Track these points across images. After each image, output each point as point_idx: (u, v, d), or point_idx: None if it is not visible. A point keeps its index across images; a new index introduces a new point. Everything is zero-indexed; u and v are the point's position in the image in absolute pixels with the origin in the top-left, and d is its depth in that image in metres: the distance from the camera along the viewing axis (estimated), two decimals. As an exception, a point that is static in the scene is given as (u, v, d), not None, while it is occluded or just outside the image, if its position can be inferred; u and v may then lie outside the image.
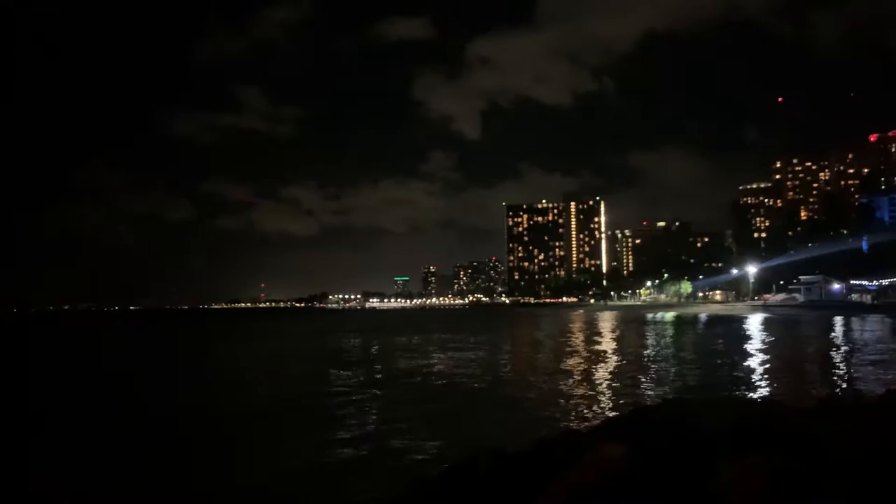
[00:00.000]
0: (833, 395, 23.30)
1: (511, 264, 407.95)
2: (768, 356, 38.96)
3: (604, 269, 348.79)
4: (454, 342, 58.54)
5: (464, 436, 17.26)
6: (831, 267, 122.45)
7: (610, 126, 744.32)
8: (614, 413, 19.47)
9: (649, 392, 25.05)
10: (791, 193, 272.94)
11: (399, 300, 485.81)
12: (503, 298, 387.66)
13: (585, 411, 20.72)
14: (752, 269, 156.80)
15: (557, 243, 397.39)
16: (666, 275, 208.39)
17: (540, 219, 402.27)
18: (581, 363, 37.10)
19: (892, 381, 25.49)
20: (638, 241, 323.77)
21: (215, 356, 53.45)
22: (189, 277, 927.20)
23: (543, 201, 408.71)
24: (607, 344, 53.80)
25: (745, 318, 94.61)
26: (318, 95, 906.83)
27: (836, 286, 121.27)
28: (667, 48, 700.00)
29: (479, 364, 38.40)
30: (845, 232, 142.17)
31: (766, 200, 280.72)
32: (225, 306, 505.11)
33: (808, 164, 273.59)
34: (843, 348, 43.29)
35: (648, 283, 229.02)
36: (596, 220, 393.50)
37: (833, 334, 56.23)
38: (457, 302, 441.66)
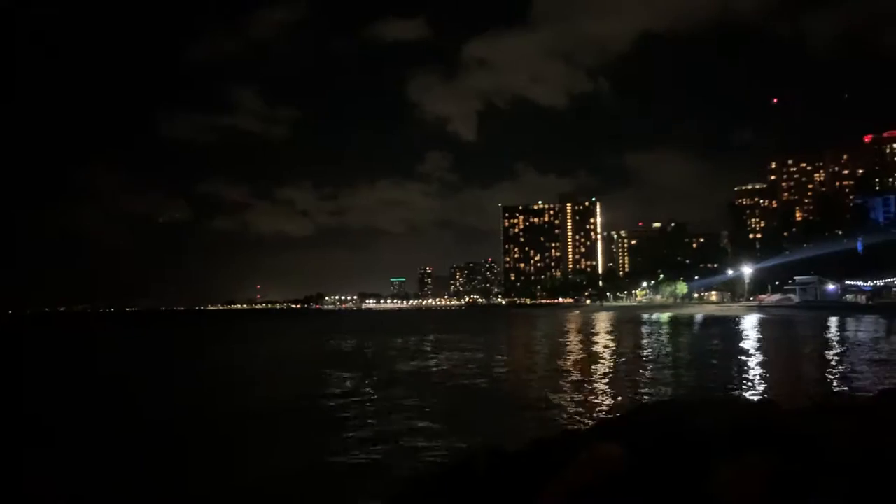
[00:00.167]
0: (828, 395, 23.42)
1: (507, 265, 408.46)
2: (764, 357, 39.05)
3: (600, 270, 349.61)
4: (451, 343, 58.53)
5: (461, 436, 17.27)
6: (826, 267, 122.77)
7: (605, 126, 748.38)
8: (611, 413, 19.53)
9: (646, 392, 25.09)
10: (786, 194, 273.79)
11: (395, 301, 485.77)
12: (499, 299, 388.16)
13: (582, 411, 20.75)
14: (747, 270, 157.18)
15: (553, 244, 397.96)
16: (662, 275, 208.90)
17: (536, 220, 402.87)
18: (578, 364, 37.14)
19: (887, 381, 25.58)
20: (634, 242, 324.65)
21: (211, 358, 53.31)
22: (185, 278, 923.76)
23: (539, 202, 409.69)
24: (604, 345, 53.84)
25: (741, 318, 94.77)
26: (313, 96, 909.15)
27: (831, 287, 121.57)
28: (662, 49, 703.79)
29: (476, 365, 38.39)
30: (840, 233, 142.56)
31: (761, 201, 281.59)
32: (221, 307, 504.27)
33: (803, 164, 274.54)
34: (838, 349, 43.40)
35: (644, 284, 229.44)
36: (592, 220, 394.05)
37: (828, 335, 56.36)
38: (453, 303, 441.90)
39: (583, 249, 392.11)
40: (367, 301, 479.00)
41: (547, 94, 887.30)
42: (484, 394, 26.08)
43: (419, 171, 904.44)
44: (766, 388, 25.82)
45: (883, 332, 57.18)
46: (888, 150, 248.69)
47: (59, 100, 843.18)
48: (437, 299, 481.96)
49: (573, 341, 58.53)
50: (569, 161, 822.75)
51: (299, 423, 21.04)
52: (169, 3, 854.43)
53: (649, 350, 46.43)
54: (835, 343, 48.29)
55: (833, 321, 75.26)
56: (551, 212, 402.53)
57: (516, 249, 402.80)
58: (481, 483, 6.31)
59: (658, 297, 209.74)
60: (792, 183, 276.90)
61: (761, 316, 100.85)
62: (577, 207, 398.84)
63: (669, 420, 6.41)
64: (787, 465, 4.87)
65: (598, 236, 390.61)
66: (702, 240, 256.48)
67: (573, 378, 30.09)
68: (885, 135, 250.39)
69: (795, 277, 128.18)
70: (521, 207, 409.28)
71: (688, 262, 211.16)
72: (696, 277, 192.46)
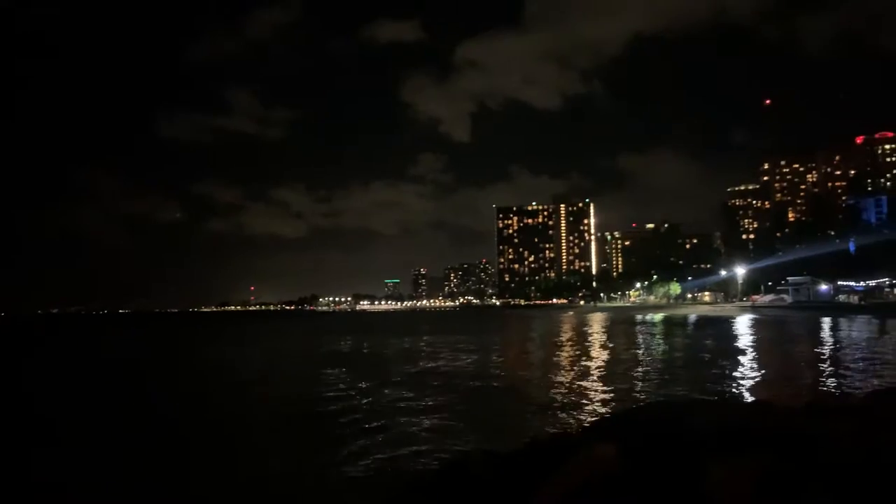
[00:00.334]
0: (821, 395, 23.50)
1: (501, 266, 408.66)
2: (757, 357, 39.15)
3: (593, 271, 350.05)
4: (445, 344, 58.50)
5: (457, 436, 17.29)
6: (819, 268, 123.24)
7: (599, 128, 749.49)
8: (605, 414, 19.55)
9: (640, 393, 25.14)
10: (779, 195, 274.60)
11: (390, 302, 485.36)
12: (493, 300, 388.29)
13: (577, 412, 20.78)
14: (740, 271, 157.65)
15: (547, 245, 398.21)
16: (655, 276, 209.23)
17: (530, 221, 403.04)
18: (572, 365, 37.19)
19: (880, 381, 25.70)
20: (627, 243, 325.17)
21: (210, 359, 53.15)
22: (178, 280, 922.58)
23: (533, 203, 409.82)
24: (598, 346, 53.93)
25: (734, 318, 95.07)
26: (307, 98, 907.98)
27: (824, 287, 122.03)
28: (656, 50, 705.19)
29: (471, 366, 38.40)
30: (832, 233, 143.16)
31: (754, 202, 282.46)
32: (215, 309, 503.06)
33: (796, 165, 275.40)
34: (831, 349, 43.57)
35: (638, 285, 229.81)
36: (585, 221, 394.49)
37: (821, 335, 56.59)
38: (447, 304, 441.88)
39: (576, 250, 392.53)
40: (361, 302, 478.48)
41: (540, 95, 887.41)
42: (479, 395, 26.07)
43: (413, 172, 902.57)
44: (759, 388, 25.88)
45: (875, 333, 57.43)
46: (880, 152, 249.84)
47: (54, 100, 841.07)
48: (432, 300, 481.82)
49: (568, 343, 58.59)
50: (562, 162, 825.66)
51: (296, 424, 21.00)
52: (165, 4, 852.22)
53: (643, 351, 46.51)
54: (827, 343, 48.47)
55: (826, 321, 75.57)
56: (545, 213, 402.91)
57: (510, 250, 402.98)
58: (476, 484, 6.33)
59: (652, 298, 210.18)
60: (785, 184, 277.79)
61: (754, 316, 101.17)
62: (570, 208, 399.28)
63: (663, 420, 6.45)
64: (780, 466, 4.90)
65: (592, 237, 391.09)
66: (695, 240, 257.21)
67: (567, 379, 30.13)
68: (876, 136, 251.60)
69: (788, 278, 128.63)
70: (515, 208, 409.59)
71: (681, 262, 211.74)
72: (690, 278, 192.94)
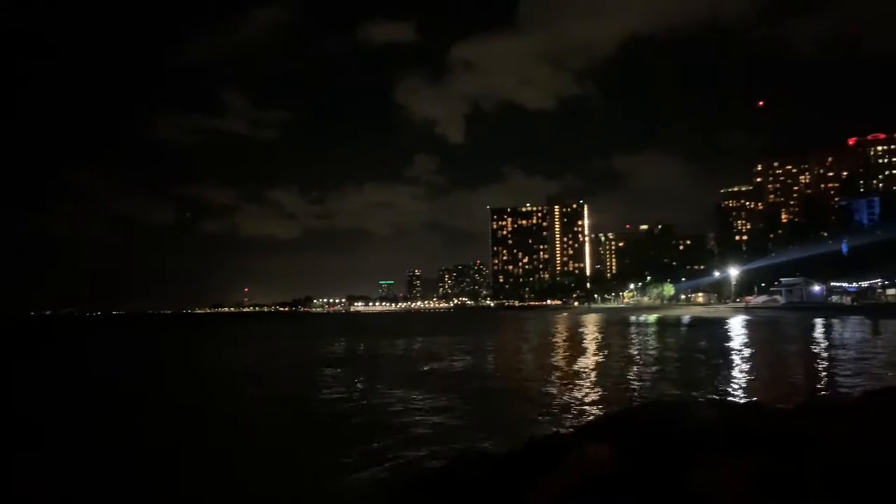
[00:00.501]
0: (814, 396, 23.60)
1: (495, 267, 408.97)
2: (750, 358, 39.26)
3: (587, 272, 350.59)
4: (441, 345, 58.50)
5: (454, 437, 17.29)
6: (812, 269, 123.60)
7: (593, 129, 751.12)
8: (600, 414, 19.58)
9: (634, 393, 25.19)
10: (772, 196, 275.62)
11: (384, 304, 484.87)
12: (488, 301, 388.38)
13: (571, 413, 20.81)
14: (733, 272, 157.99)
15: (541, 246, 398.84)
16: (649, 277, 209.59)
17: (524, 222, 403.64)
18: (567, 366, 37.20)
19: (872, 382, 25.80)
20: (621, 244, 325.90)
21: (203, 362, 53.01)
22: (172, 281, 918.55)
23: (527, 204, 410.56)
24: (592, 347, 53.99)
25: (728, 319, 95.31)
26: (301, 98, 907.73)
27: (817, 288, 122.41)
28: (649, 52, 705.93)
29: (467, 367, 38.40)
30: (825, 234, 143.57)
31: (747, 203, 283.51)
32: (209, 311, 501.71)
33: (789, 167, 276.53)
34: (824, 350, 43.71)
35: (631, 286, 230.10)
36: (579, 223, 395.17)
37: (814, 336, 56.76)
38: (441, 305, 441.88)
39: (570, 251, 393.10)
40: (355, 304, 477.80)
41: (534, 96, 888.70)
42: (476, 396, 26.05)
43: (407, 173, 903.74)
44: (752, 388, 25.96)
45: (867, 333, 57.65)
46: (872, 153, 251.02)
47: (46, 100, 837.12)
48: (426, 302, 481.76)
49: (562, 344, 58.64)
50: (556, 163, 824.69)
51: (291, 426, 20.98)
52: (158, 3, 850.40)
53: (637, 352, 46.57)
54: (820, 344, 48.62)
55: (818, 322, 75.83)
56: (539, 214, 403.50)
57: (504, 251, 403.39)
58: (472, 485, 6.34)
59: (645, 299, 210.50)
60: (778, 185, 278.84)
61: (747, 317, 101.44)
62: (564, 210, 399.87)
63: (657, 421, 6.47)
64: (773, 466, 4.93)
65: (586, 238, 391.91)
66: (688, 242, 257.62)
67: (562, 380, 30.14)
68: (869, 137, 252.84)
69: (781, 279, 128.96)
70: (509, 210, 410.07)
71: (675, 263, 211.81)
72: (683, 279, 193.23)
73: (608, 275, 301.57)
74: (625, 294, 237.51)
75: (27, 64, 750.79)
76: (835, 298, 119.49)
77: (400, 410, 22.48)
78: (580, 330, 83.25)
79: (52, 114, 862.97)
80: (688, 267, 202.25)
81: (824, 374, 30.47)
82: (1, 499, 14.16)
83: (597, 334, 72.16)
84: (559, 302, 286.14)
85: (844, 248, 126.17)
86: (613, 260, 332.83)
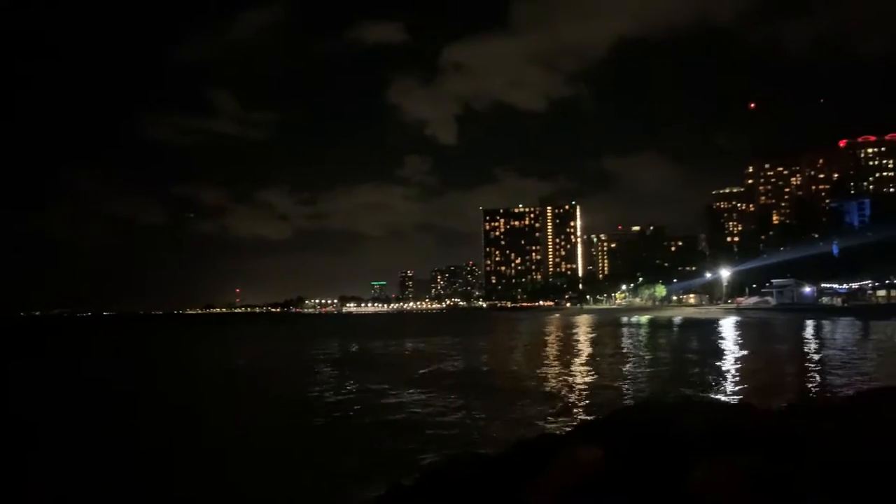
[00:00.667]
0: (805, 396, 23.69)
1: (488, 268, 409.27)
2: (742, 359, 39.39)
3: (580, 273, 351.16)
4: (436, 346, 58.51)
5: (449, 438, 17.27)
6: (803, 270, 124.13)
7: (585, 131, 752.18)
8: (592, 415, 19.58)
9: (626, 394, 25.23)
10: (763, 198, 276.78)
11: (376, 305, 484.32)
12: (480, 302, 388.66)
13: (564, 413, 20.82)
14: (725, 273, 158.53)
15: (534, 247, 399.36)
16: (641, 278, 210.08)
17: (516, 223, 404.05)
18: (559, 367, 37.24)
19: (862, 382, 25.91)
20: (613, 245, 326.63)
21: (195, 362, 52.83)
22: (163, 282, 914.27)
23: (520, 206, 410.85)
24: (585, 347, 54.09)
25: (719, 320, 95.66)
26: (292, 99, 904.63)
27: (808, 289, 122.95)
28: (640, 54, 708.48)
29: (460, 367, 38.40)
30: (816, 236, 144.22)
31: (738, 205, 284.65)
32: (200, 311, 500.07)
33: (780, 169, 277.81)
34: (815, 351, 43.91)
35: (623, 287, 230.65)
36: (572, 224, 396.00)
37: (804, 337, 57.02)
38: (434, 306, 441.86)
39: (563, 252, 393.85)
40: (347, 305, 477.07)
41: (526, 98, 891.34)
42: (468, 396, 26.03)
43: (399, 174, 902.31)
44: (743, 389, 26.04)
45: (858, 334, 57.95)
46: (863, 155, 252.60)
47: (39, 100, 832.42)
48: (418, 302, 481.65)
49: (555, 345, 58.71)
50: (548, 165, 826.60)
51: (285, 429, 20.91)
52: (148, 5, 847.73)
53: (629, 352, 46.68)
54: (811, 345, 48.86)
55: (809, 323, 76.18)
56: (532, 215, 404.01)
57: (497, 252, 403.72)
58: (462, 487, 6.31)
59: (637, 300, 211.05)
60: (769, 187, 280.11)
61: (739, 318, 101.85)
62: (557, 211, 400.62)
63: (649, 422, 6.46)
64: (765, 466, 4.92)
65: (578, 239, 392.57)
66: (680, 243, 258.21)
67: (554, 381, 30.16)
68: (859, 139, 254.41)
69: (772, 280, 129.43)
70: (501, 211, 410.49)
71: (666, 264, 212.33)
72: (675, 280, 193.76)
73: (600, 276, 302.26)
74: (617, 295, 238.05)
75: (23, 64, 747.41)
76: (825, 300, 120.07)
77: (395, 411, 22.48)
78: (572, 331, 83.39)
79: (45, 114, 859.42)
80: (679, 268, 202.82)
81: (815, 374, 30.61)
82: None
83: (589, 335, 72.28)
84: (551, 303, 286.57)
85: (835, 249, 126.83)
86: (605, 261, 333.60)
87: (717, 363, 35.62)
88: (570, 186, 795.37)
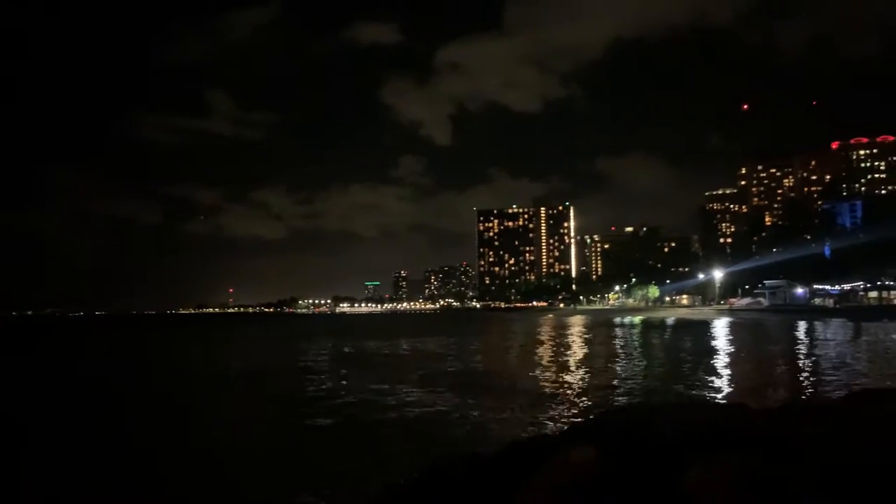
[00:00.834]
0: (797, 397, 23.78)
1: (482, 269, 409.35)
2: (734, 360, 39.50)
3: (573, 274, 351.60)
4: (430, 346, 58.49)
5: (440, 438, 17.27)
6: (795, 271, 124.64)
7: (578, 132, 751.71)
8: (586, 416, 19.62)
9: (619, 395, 25.25)
10: (756, 199, 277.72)
11: (370, 305, 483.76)
12: (474, 303, 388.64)
13: (558, 414, 20.84)
14: (718, 274, 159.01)
15: (527, 248, 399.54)
16: (634, 279, 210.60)
17: (510, 224, 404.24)
18: (552, 367, 37.26)
19: (855, 383, 26.03)
20: (606, 246, 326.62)
21: (189, 362, 52.66)
22: (156, 282, 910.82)
23: (514, 206, 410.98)
24: (578, 348, 54.13)
25: (712, 321, 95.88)
26: (287, 99, 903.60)
27: (800, 290, 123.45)
28: (634, 55, 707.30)
29: (454, 368, 38.37)
30: (808, 237, 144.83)
31: (731, 206, 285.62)
32: (193, 311, 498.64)
33: (773, 170, 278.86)
34: (807, 352, 44.07)
35: (617, 288, 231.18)
36: (565, 224, 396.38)
37: (797, 338, 57.20)
38: (427, 307, 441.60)
39: (556, 253, 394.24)
40: (341, 305, 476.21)
41: (520, 99, 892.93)
42: (463, 395, 26.04)
43: (393, 174, 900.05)
44: (736, 390, 26.11)
45: (850, 335, 58.18)
46: (855, 157, 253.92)
47: (30, 100, 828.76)
48: (412, 303, 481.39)
49: (549, 345, 58.75)
50: (542, 165, 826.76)
51: (279, 431, 20.87)
52: (144, 4, 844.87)
53: (622, 353, 46.75)
54: (803, 346, 49.02)
55: (801, 324, 76.43)
56: (525, 216, 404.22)
57: (491, 253, 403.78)
58: (455, 487, 6.33)
59: (630, 301, 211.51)
60: (762, 188, 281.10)
61: (731, 319, 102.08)
62: (550, 211, 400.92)
63: (642, 422, 6.49)
64: (758, 466, 4.95)
65: (572, 240, 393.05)
66: (673, 244, 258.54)
67: (547, 382, 30.18)
68: (852, 141, 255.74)
69: (765, 281, 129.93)
70: (495, 211, 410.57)
71: (659, 265, 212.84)
72: (668, 281, 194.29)
73: (593, 276, 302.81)
74: (610, 296, 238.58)
75: (12, 63, 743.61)
76: (818, 301, 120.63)
77: (390, 411, 22.45)
78: (566, 332, 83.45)
79: (38, 113, 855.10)
80: (672, 269, 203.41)
81: (808, 375, 30.72)
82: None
83: (582, 336, 72.35)
84: (545, 303, 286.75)
85: (827, 250, 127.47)
86: (599, 262, 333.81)
87: (710, 364, 35.69)
88: (564, 187, 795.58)
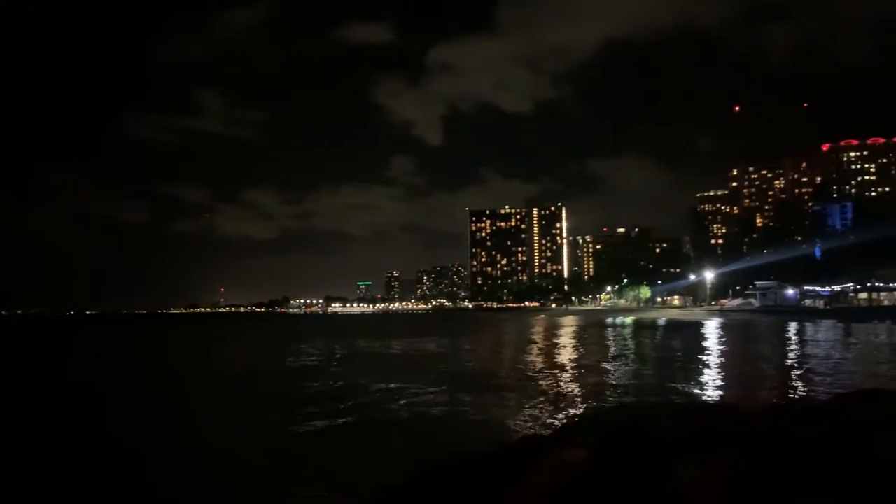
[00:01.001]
0: (787, 398, 23.88)
1: (474, 269, 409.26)
2: (724, 360, 39.66)
3: (565, 274, 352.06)
4: (423, 345, 58.48)
5: (433, 438, 17.25)
6: (786, 273, 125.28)
7: (570, 132, 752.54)
8: (577, 415, 19.64)
9: (610, 395, 25.30)
10: (747, 201, 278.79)
11: (361, 305, 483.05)
12: (466, 303, 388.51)
13: (550, 413, 20.86)
14: (709, 275, 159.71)
15: (520, 248, 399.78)
16: (626, 280, 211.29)
17: (503, 224, 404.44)
18: (544, 368, 37.29)
19: (844, 383, 26.15)
20: (598, 247, 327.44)
21: (182, 362, 52.49)
22: (147, 282, 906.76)
23: (506, 207, 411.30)
24: (570, 349, 54.24)
25: (703, 322, 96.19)
26: (278, 99, 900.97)
27: (791, 292, 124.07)
28: (626, 56, 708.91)
29: (447, 368, 38.35)
30: (799, 239, 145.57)
31: (722, 207, 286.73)
32: (184, 311, 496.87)
33: (764, 172, 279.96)
34: (797, 352, 44.28)
35: (608, 288, 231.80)
36: (557, 225, 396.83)
37: (787, 339, 57.43)
38: (419, 307, 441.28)
39: (549, 254, 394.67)
40: (333, 305, 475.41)
41: (512, 99, 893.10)
42: (452, 397, 26.04)
43: (385, 174, 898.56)
44: (726, 390, 26.21)
45: (840, 336, 58.50)
46: (845, 159, 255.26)
47: (21, 99, 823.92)
48: (404, 303, 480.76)
49: (540, 346, 58.79)
50: (534, 166, 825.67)
51: (279, 427, 20.81)
52: (134, 3, 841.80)
53: (614, 354, 46.86)
54: (793, 347, 49.24)
55: (792, 325, 76.79)
56: (518, 216, 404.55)
57: (483, 253, 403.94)
58: (448, 486, 6.31)
59: (622, 301, 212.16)
60: (753, 190, 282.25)
61: (722, 320, 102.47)
62: (543, 212, 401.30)
63: (634, 422, 6.48)
64: (748, 467, 4.96)
65: (564, 241, 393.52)
66: (665, 245, 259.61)
67: (539, 383, 30.20)
68: (842, 143, 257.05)
69: (756, 282, 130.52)
70: (488, 212, 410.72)
71: (651, 266, 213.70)
72: (660, 282, 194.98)
73: (585, 277, 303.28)
74: (602, 296, 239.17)
75: (6, 63, 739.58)
76: (808, 302, 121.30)
77: (384, 410, 22.46)
78: (558, 332, 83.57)
79: (28, 112, 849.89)
80: (664, 270, 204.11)
81: (796, 376, 30.86)
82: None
83: (574, 336, 72.48)
84: (537, 304, 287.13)
85: (817, 252, 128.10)
86: (591, 262, 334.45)
87: (700, 365, 35.81)
88: (555, 188, 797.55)
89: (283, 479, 14.34)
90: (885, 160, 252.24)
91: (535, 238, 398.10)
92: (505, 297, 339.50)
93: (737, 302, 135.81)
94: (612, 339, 66.13)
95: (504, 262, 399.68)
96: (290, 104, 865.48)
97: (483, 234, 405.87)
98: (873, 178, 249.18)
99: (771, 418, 7.03)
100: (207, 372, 41.46)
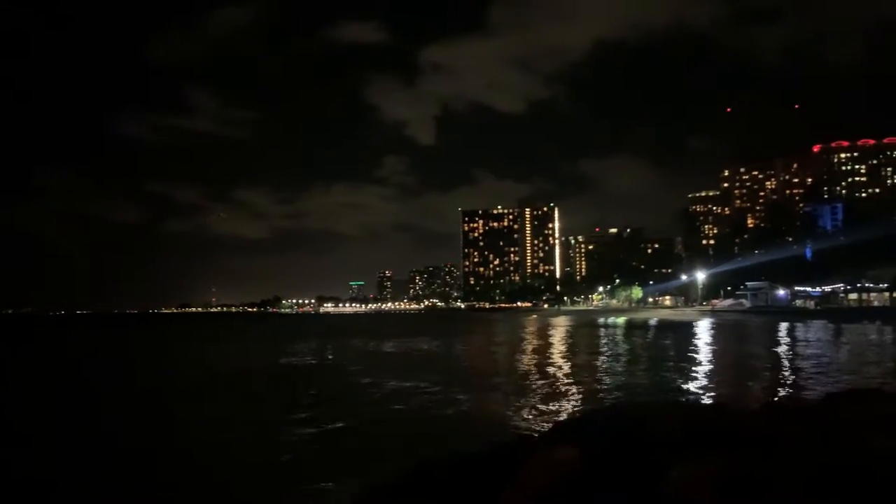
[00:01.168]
0: (778, 398, 23.97)
1: (466, 269, 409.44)
2: (715, 361, 39.76)
3: (557, 275, 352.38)
4: (418, 345, 58.44)
5: (428, 437, 17.24)
6: (777, 273, 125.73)
7: (563, 133, 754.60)
8: (569, 415, 19.68)
9: (601, 395, 25.34)
10: (738, 201, 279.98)
11: (354, 305, 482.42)
12: (458, 303, 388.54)
13: (542, 412, 20.87)
14: (700, 275, 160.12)
15: (512, 248, 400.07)
16: (617, 280, 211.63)
17: (495, 224, 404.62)
18: (537, 367, 37.33)
19: (835, 384, 26.27)
20: (591, 247, 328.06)
21: (175, 362, 52.29)
22: (138, 281, 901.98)
23: (499, 207, 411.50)
24: (561, 349, 54.29)
25: (694, 322, 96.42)
26: (270, 98, 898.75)
27: (782, 292, 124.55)
28: (618, 57, 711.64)
29: (441, 367, 38.36)
30: (790, 239, 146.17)
31: (714, 208, 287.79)
32: (175, 311, 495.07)
33: (755, 172, 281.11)
34: (787, 353, 44.44)
35: (600, 289, 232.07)
36: (550, 225, 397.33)
37: (777, 339, 57.63)
38: (412, 307, 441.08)
39: (541, 254, 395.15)
40: (325, 304, 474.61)
41: (504, 99, 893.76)
42: (445, 397, 26.03)
43: (377, 174, 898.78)
44: (718, 390, 26.29)
45: (830, 337, 58.77)
46: (836, 160, 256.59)
47: (13, 98, 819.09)
48: (397, 303, 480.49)
49: (532, 346, 58.85)
50: (526, 166, 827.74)
51: (267, 436, 20.76)
52: (127, 3, 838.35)
53: (605, 354, 46.92)
54: (784, 347, 49.42)
55: (783, 326, 77.05)
56: (510, 216, 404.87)
57: (476, 253, 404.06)
58: (441, 486, 6.31)
59: (614, 302, 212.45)
60: (744, 190, 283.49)
61: (714, 320, 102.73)
62: (535, 212, 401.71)
63: (625, 422, 6.50)
64: (740, 466, 4.98)
65: (556, 241, 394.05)
66: (656, 245, 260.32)
67: (531, 382, 30.22)
68: (832, 144, 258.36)
69: (747, 283, 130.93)
70: (480, 212, 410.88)
71: (643, 267, 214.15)
72: (651, 282, 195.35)
73: (578, 277, 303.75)
74: (594, 296, 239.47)
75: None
76: (799, 302, 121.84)
77: (378, 410, 22.42)
78: (551, 332, 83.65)
79: (18, 111, 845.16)
80: (656, 270, 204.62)
81: (788, 376, 30.98)
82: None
83: (566, 336, 72.57)
84: (529, 304, 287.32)
85: (808, 253, 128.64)
86: (583, 263, 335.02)
87: (692, 365, 35.89)
88: (548, 188, 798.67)
89: (277, 479, 14.32)
90: (875, 161, 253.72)
91: (528, 238, 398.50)
92: (497, 298, 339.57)
93: (728, 302, 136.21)
94: (603, 339, 66.23)
95: (496, 262, 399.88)
96: (283, 104, 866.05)
97: (475, 235, 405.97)
98: (864, 179, 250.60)
99: (764, 418, 7.06)
100: (200, 372, 41.34)
